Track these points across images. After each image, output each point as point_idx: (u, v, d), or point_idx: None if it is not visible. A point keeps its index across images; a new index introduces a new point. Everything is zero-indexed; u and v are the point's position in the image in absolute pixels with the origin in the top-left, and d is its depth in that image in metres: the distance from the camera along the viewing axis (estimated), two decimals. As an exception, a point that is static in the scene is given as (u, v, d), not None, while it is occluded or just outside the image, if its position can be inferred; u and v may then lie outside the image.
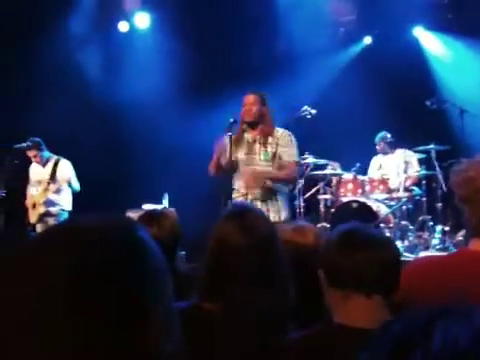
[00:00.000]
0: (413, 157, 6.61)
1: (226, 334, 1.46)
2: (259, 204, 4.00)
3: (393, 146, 6.69)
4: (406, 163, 6.51)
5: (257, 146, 4.12)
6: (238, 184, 4.09)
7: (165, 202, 6.84)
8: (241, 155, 4.11)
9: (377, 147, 6.82)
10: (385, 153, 6.78)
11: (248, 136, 4.17)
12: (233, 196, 4.08)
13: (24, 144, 5.79)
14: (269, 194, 4.06)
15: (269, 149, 4.10)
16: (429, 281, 1.61)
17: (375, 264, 1.40)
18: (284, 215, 4.10)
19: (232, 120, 4.08)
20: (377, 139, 6.79)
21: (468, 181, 1.58)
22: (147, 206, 6.78)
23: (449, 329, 0.53)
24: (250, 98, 4.14)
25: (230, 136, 4.03)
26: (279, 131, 4.18)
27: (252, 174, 4.06)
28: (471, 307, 0.56)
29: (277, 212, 4.06)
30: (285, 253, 1.64)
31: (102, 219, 0.75)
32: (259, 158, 4.12)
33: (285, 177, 4.15)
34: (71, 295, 0.66)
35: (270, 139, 4.12)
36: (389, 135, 6.71)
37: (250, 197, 4.04)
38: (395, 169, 6.56)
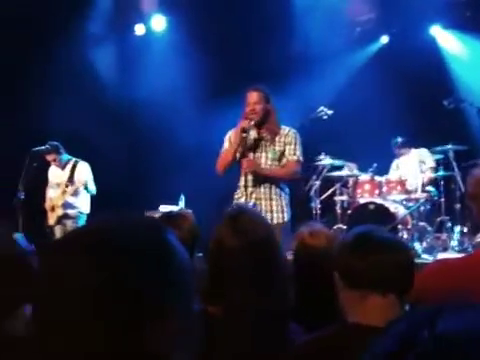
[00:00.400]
0: (428, 155, 6.55)
1: (227, 336, 1.46)
2: (263, 203, 3.98)
3: (407, 145, 6.64)
4: (421, 162, 6.45)
5: (264, 145, 4.06)
6: (242, 183, 4.04)
7: (182, 203, 6.87)
8: (251, 156, 4.05)
9: (396, 152, 6.84)
10: (401, 155, 6.75)
11: (254, 134, 4.08)
12: (238, 195, 4.06)
13: (43, 147, 5.85)
14: (273, 193, 4.01)
15: (277, 148, 4.03)
16: (443, 283, 1.61)
17: (389, 266, 1.42)
18: (287, 215, 4.05)
19: (245, 127, 4.01)
20: (393, 144, 6.82)
21: (478, 180, 1.61)
22: (164, 207, 6.81)
23: (456, 317, 0.53)
24: (253, 96, 3.99)
25: (245, 160, 4.00)
26: (285, 129, 4.09)
27: (251, 160, 4.00)
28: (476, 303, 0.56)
29: (281, 212, 4.01)
30: (285, 255, 1.63)
31: (130, 221, 0.76)
32: (267, 156, 4.06)
33: (283, 175, 4.05)
34: (101, 297, 0.67)
35: (277, 138, 4.04)
36: (400, 139, 6.69)
37: (254, 196, 3.99)
38: (411, 169, 6.50)
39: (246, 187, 3.99)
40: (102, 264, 0.69)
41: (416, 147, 6.66)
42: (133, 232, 0.73)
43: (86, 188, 5.99)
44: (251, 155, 4.05)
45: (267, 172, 4.02)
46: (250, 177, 4.01)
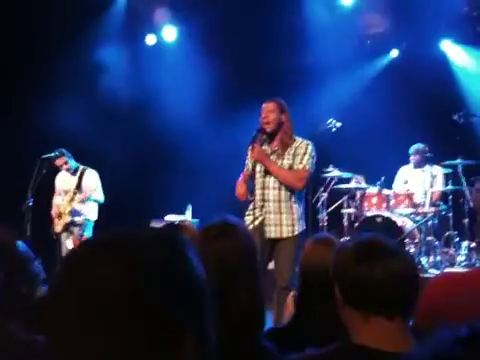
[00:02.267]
0: (439, 172, 6.47)
1: None
2: (272, 217, 3.94)
3: (431, 162, 6.42)
4: (433, 178, 6.37)
5: (274, 158, 4.02)
6: (254, 197, 3.98)
7: (188, 213, 6.87)
8: (258, 167, 4.02)
9: (411, 158, 6.62)
10: (417, 167, 6.58)
11: (266, 148, 4.07)
12: (250, 207, 4.02)
13: (52, 154, 5.88)
14: (283, 207, 3.96)
15: (285, 161, 3.99)
16: (450, 295, 1.58)
17: (394, 276, 1.33)
18: (298, 229, 3.99)
19: (258, 128, 4.01)
20: (412, 150, 6.59)
21: None
22: (170, 217, 6.82)
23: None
24: (268, 106, 4.00)
25: (252, 147, 3.99)
26: (298, 141, 4.04)
27: (260, 150, 3.95)
28: None
29: (291, 225, 3.96)
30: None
31: (152, 234, 0.75)
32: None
33: (291, 178, 3.96)
34: (119, 312, 0.66)
35: (288, 150, 4.00)
36: (427, 149, 6.47)
37: (264, 210, 3.96)
38: (422, 184, 6.43)
39: (257, 201, 3.95)
40: (121, 278, 0.68)
41: (434, 164, 6.51)
42: (154, 246, 0.72)
43: (93, 196, 5.99)
44: (261, 169, 4.01)
45: (272, 166, 3.95)
46: (260, 191, 3.99)
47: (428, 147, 6.52)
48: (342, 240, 6.02)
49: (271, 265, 4.08)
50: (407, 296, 1.36)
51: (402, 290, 1.34)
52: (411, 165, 6.69)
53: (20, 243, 1.97)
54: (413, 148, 6.61)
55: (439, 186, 6.41)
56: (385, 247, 1.38)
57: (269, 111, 3.99)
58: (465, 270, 4.14)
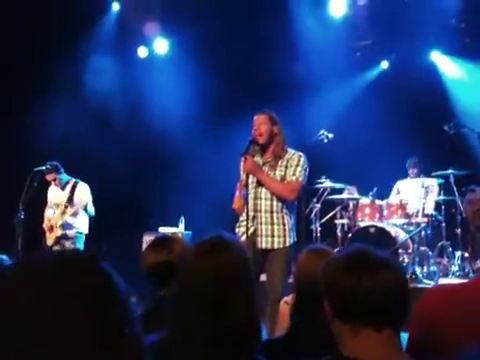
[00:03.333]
0: (433, 182, 6.50)
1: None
2: (263, 228, 3.94)
3: (425, 172, 6.50)
4: (425, 188, 6.40)
5: (266, 169, 4.03)
6: (246, 208, 3.95)
7: (181, 226, 6.85)
8: (251, 178, 4.02)
9: (409, 171, 6.70)
10: (415, 177, 6.64)
11: (259, 160, 4.08)
12: (242, 218, 4.02)
13: (43, 167, 5.85)
14: (275, 218, 3.96)
15: (277, 172, 3.99)
16: (445, 307, 1.57)
17: (383, 286, 1.31)
18: (289, 240, 3.97)
19: (250, 139, 4.02)
20: (410, 163, 6.67)
21: None
22: (163, 229, 6.80)
23: None
24: (260, 118, 4.04)
25: (245, 158, 4.00)
26: (291, 153, 4.06)
27: (251, 160, 3.96)
28: None
29: (283, 236, 3.95)
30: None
31: (63, 259, 0.77)
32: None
33: (282, 190, 3.96)
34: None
35: (280, 162, 4.01)
36: (423, 161, 6.60)
37: (256, 221, 3.95)
38: (414, 194, 6.47)
39: (249, 211, 3.94)
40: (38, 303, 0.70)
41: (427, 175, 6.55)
42: (69, 270, 0.75)
43: (85, 209, 5.97)
44: (254, 181, 4.02)
45: (265, 178, 3.97)
46: (252, 201, 3.98)
47: (418, 158, 6.62)
48: (336, 250, 6.03)
49: (263, 277, 4.06)
50: (397, 307, 1.33)
51: (391, 301, 1.32)
52: (408, 178, 6.73)
53: (3, 257, 1.94)
54: (410, 161, 6.67)
55: (434, 196, 6.43)
56: (374, 258, 1.36)
57: (260, 123, 4.02)
58: (461, 281, 4.16)
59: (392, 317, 1.33)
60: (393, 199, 6.60)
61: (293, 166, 3.99)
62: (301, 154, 4.05)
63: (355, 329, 1.32)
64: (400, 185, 6.83)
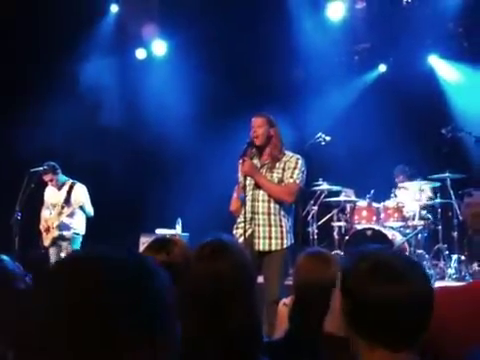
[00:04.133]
0: (427, 185, 6.53)
1: None
2: (261, 230, 3.94)
3: (413, 177, 6.59)
4: (421, 191, 6.42)
5: (264, 171, 4.03)
6: (243, 209, 3.98)
7: (178, 227, 6.85)
8: (248, 179, 4.03)
9: (396, 179, 6.81)
10: (401, 183, 6.72)
11: (256, 162, 4.09)
12: (239, 220, 4.02)
13: (40, 168, 5.85)
14: (272, 220, 3.96)
15: (274, 175, 3.99)
16: (452, 311, 1.57)
17: (411, 303, 1.21)
18: (287, 242, 3.98)
19: (248, 141, 4.03)
20: (396, 171, 6.80)
21: None
22: (160, 231, 6.79)
23: None
24: (257, 120, 4.05)
25: (243, 160, 4.00)
26: (289, 155, 4.06)
27: (250, 163, 3.97)
28: None
29: (280, 238, 3.95)
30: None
31: (114, 253, 0.78)
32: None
33: (280, 192, 3.96)
34: (74, 326, 0.69)
35: (277, 164, 4.02)
36: (407, 168, 6.71)
37: (254, 222, 3.95)
38: (410, 197, 6.49)
39: (246, 213, 3.95)
40: (78, 294, 0.70)
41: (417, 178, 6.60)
42: (116, 265, 0.75)
43: (83, 210, 5.96)
44: (251, 182, 4.03)
45: (263, 180, 3.97)
46: (250, 203, 3.98)
47: (408, 166, 6.75)
48: (334, 253, 6.04)
49: (260, 278, 4.06)
50: (419, 322, 1.24)
51: (415, 315, 1.23)
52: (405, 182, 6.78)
53: (6, 258, 1.94)
54: (396, 169, 6.84)
55: (427, 198, 6.46)
56: (404, 267, 1.25)
57: (258, 125, 4.03)
58: (460, 283, 4.16)
59: (412, 332, 1.24)
60: (391, 202, 6.60)
61: (291, 168, 3.99)
62: (299, 157, 4.06)
63: (372, 348, 1.23)
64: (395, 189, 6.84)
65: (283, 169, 4.00)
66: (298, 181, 3.98)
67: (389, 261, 1.26)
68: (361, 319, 1.25)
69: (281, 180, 3.99)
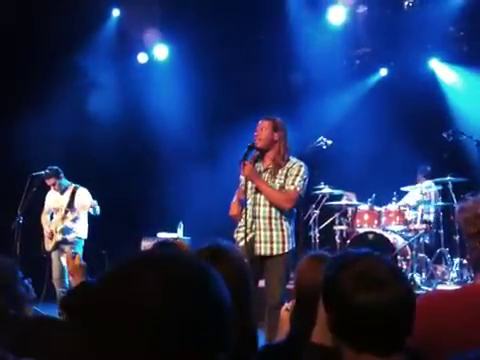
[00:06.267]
0: (431, 189, 6.51)
1: None
2: (262, 234, 3.92)
3: (430, 178, 6.56)
4: (423, 195, 6.41)
5: (266, 176, 4.01)
6: (244, 214, 3.95)
7: (180, 231, 6.85)
8: (250, 183, 3.99)
9: (418, 178, 6.77)
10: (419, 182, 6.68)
11: (259, 165, 4.07)
12: (240, 224, 4.00)
13: (43, 172, 5.84)
14: (273, 224, 3.94)
15: (277, 180, 3.96)
16: (441, 317, 1.57)
17: (393, 308, 1.23)
18: (288, 246, 3.95)
19: (249, 145, 4.00)
20: (418, 171, 6.80)
21: (477, 218, 1.58)
22: (162, 234, 6.80)
23: None
24: (263, 123, 4.01)
25: (244, 164, 3.98)
26: (292, 162, 4.02)
27: (250, 166, 3.95)
28: None
29: (282, 243, 3.92)
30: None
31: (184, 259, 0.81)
32: None
33: (279, 198, 3.93)
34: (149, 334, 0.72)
35: (280, 170, 3.98)
36: (429, 168, 6.73)
37: (254, 227, 3.93)
38: (414, 201, 6.48)
39: (247, 217, 3.93)
40: (160, 296, 0.74)
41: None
42: (185, 271, 0.79)
43: (89, 213, 5.91)
44: (252, 186, 4.02)
45: (262, 185, 3.95)
46: (251, 207, 3.96)
47: (429, 166, 6.79)
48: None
49: (261, 283, 4.06)
50: (404, 325, 1.26)
51: (399, 318, 1.25)
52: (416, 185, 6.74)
53: (9, 262, 1.94)
54: (420, 169, 6.81)
55: (430, 203, 6.45)
56: (385, 270, 1.27)
57: (262, 128, 4.00)
58: (456, 287, 4.15)
59: (397, 336, 1.25)
60: (392, 207, 6.58)
61: (293, 175, 3.95)
62: (302, 164, 4.01)
63: (359, 355, 1.24)
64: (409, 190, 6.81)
65: (286, 175, 3.97)
66: (298, 188, 3.94)
67: (370, 268, 1.27)
68: (345, 326, 1.26)
69: (283, 186, 3.95)
